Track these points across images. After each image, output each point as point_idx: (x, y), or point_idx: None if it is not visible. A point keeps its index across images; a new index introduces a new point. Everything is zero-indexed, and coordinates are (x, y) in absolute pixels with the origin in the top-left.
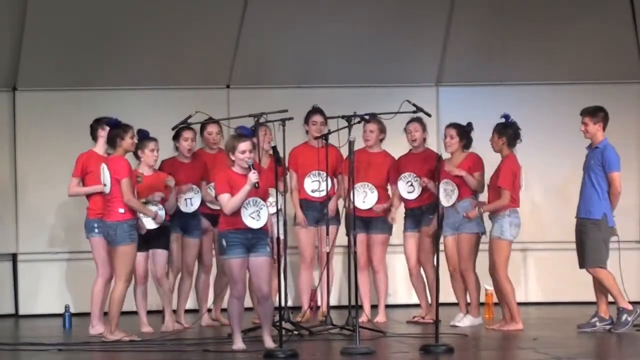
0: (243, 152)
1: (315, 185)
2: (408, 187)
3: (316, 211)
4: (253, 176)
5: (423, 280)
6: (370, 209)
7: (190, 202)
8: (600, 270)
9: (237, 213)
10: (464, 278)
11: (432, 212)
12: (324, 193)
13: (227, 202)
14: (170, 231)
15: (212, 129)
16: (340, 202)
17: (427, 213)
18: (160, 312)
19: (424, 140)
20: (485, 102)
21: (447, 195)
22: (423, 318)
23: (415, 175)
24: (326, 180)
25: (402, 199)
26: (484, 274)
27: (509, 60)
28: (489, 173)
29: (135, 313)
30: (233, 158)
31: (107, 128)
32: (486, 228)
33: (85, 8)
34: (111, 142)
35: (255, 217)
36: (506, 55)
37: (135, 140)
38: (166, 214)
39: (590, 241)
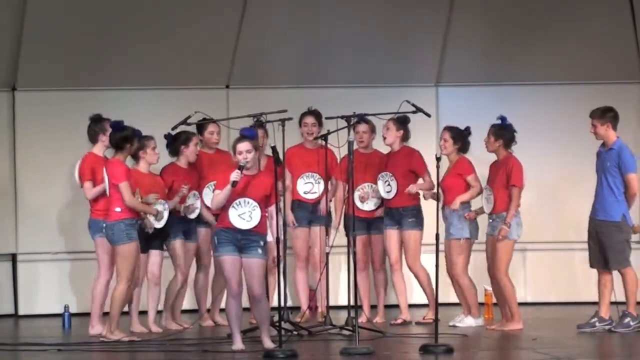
0: (240, 152)
1: (308, 187)
2: (386, 187)
3: (308, 212)
4: (233, 174)
5: (403, 279)
6: (375, 209)
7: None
8: (629, 270)
9: (227, 211)
10: (457, 282)
11: (412, 216)
12: (316, 195)
13: (213, 197)
14: (167, 232)
15: (213, 128)
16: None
17: (407, 216)
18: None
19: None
20: (485, 103)
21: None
22: (396, 320)
23: (391, 174)
24: (319, 182)
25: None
26: (480, 275)
27: (509, 60)
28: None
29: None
30: (235, 159)
31: (108, 132)
32: (483, 229)
33: (85, 8)
34: (118, 145)
35: (245, 218)
36: (506, 55)
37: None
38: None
39: (614, 243)
